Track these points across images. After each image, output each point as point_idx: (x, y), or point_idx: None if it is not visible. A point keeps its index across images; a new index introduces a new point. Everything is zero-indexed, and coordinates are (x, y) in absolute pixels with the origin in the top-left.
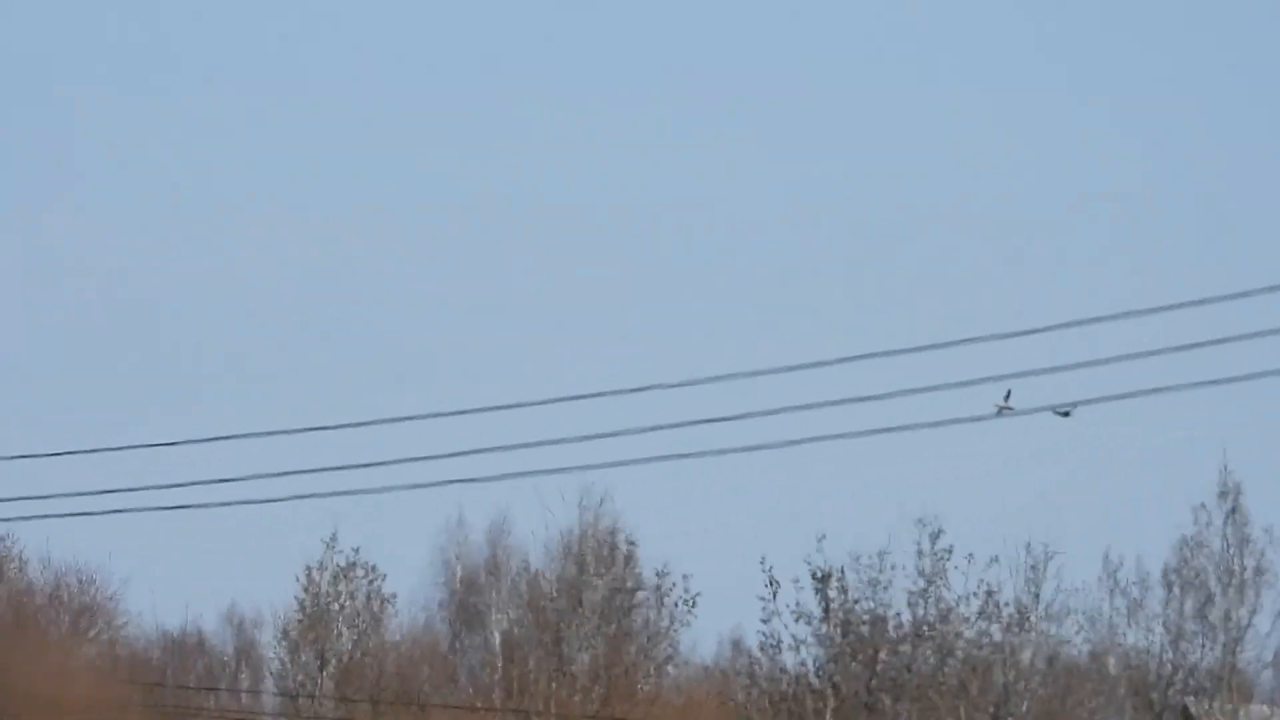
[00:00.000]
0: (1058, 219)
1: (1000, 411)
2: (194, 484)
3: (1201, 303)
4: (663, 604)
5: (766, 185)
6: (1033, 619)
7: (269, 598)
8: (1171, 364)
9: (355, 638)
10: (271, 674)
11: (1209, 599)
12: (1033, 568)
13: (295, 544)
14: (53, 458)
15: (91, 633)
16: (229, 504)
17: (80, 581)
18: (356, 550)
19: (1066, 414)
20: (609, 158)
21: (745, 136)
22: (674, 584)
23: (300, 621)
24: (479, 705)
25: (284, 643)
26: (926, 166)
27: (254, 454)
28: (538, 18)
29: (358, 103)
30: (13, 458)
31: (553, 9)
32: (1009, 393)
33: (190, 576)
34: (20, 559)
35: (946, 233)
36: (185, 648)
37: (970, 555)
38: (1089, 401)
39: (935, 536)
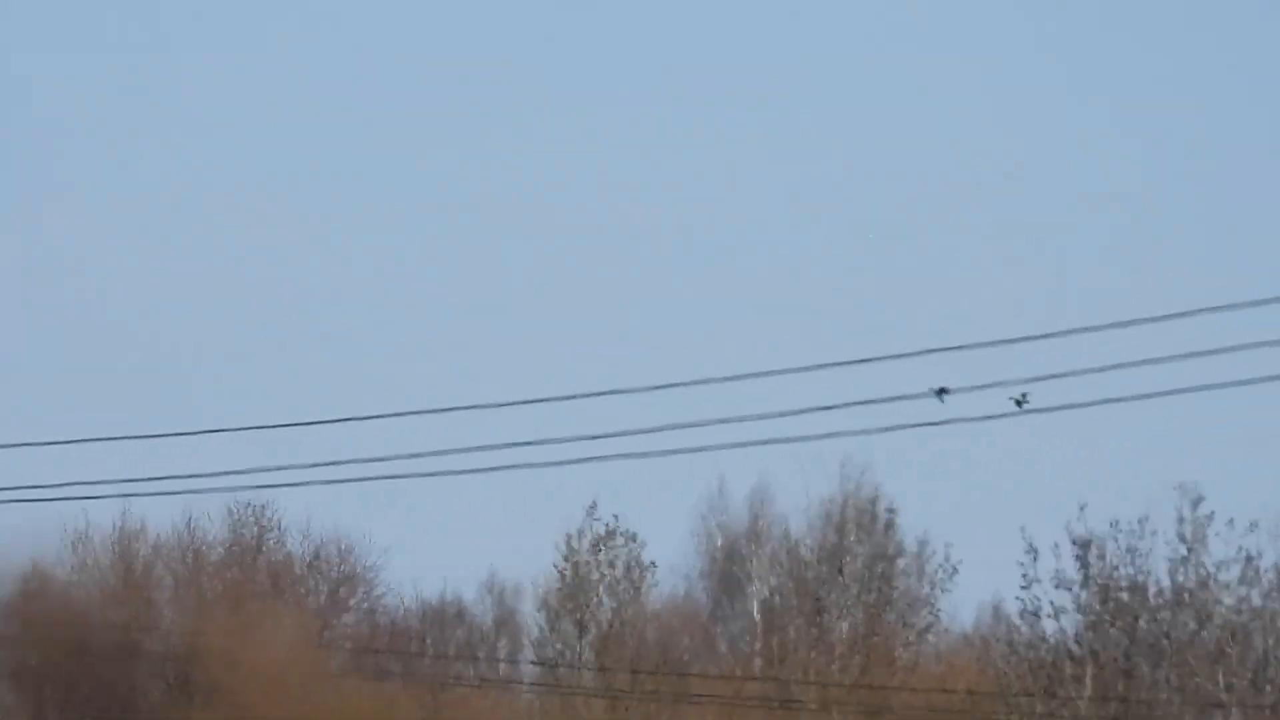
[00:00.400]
0: (1058, 219)
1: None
2: (453, 451)
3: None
4: (923, 572)
5: (766, 185)
6: None
7: (529, 567)
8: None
9: (615, 606)
10: (531, 643)
11: None
12: None
13: (555, 512)
14: (308, 427)
15: (350, 602)
16: (488, 470)
17: (339, 551)
18: (616, 518)
19: (1020, 402)
20: (609, 158)
21: (745, 136)
22: (934, 552)
23: (559, 590)
24: (739, 674)
25: (543, 612)
26: (926, 166)
27: (507, 422)
28: (538, 18)
29: (358, 102)
30: (270, 426)
31: (553, 9)
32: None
33: (450, 545)
34: (279, 529)
35: (946, 233)
36: (445, 617)
37: (1231, 520)
38: (1044, 410)
39: (1196, 503)
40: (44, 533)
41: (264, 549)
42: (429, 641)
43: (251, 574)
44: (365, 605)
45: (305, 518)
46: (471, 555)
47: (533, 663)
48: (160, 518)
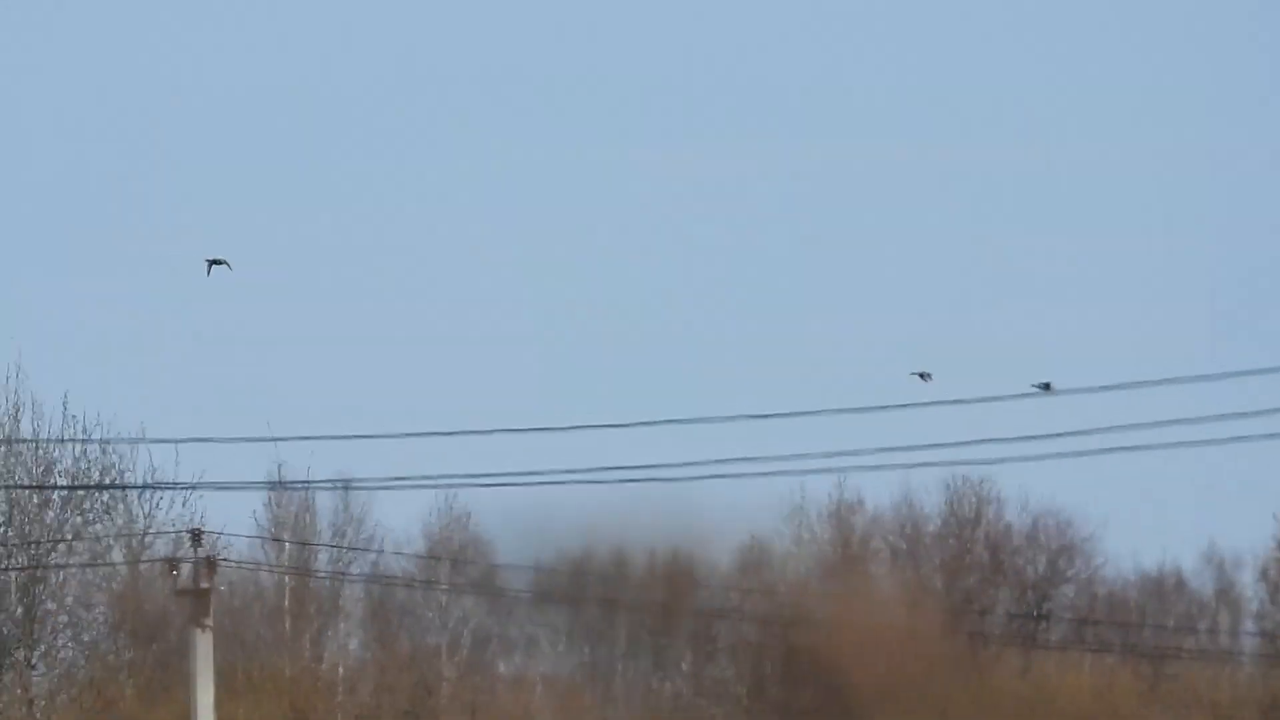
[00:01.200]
0: (1057, 219)
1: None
2: (1167, 424)
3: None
4: None
5: (766, 185)
6: None
7: (1249, 537)
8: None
9: None
10: (1250, 616)
11: None
12: None
13: (1275, 482)
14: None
15: (1069, 573)
16: (1200, 444)
17: (1058, 523)
18: None
19: (1047, 386)
20: (609, 157)
21: (745, 136)
22: None
23: (1278, 561)
24: None
25: (1262, 583)
26: (926, 167)
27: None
28: (537, 18)
29: (358, 102)
30: (983, 401)
31: (553, 9)
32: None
33: (1170, 516)
34: (998, 500)
35: (946, 232)
36: (1164, 589)
37: None
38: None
39: None
40: (761, 506)
41: (982, 521)
42: (1148, 613)
43: (969, 546)
44: (1084, 576)
45: (1023, 489)
46: (1191, 525)
47: (1252, 634)
48: (877, 491)
